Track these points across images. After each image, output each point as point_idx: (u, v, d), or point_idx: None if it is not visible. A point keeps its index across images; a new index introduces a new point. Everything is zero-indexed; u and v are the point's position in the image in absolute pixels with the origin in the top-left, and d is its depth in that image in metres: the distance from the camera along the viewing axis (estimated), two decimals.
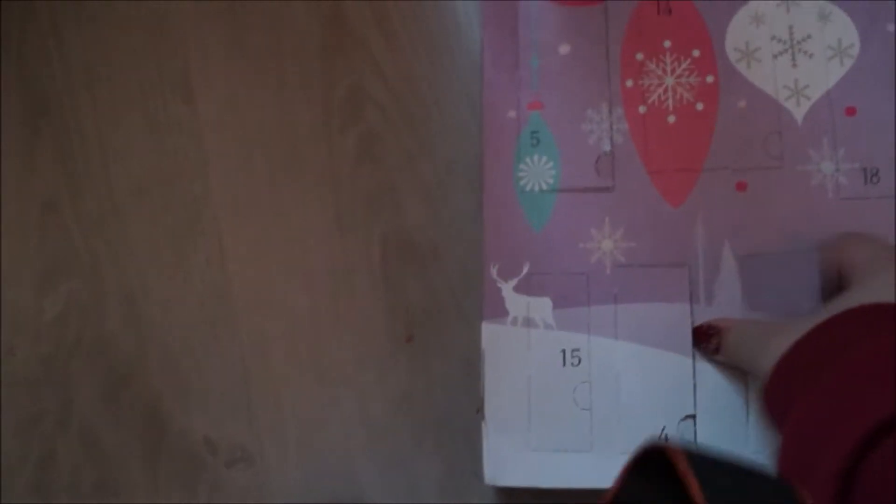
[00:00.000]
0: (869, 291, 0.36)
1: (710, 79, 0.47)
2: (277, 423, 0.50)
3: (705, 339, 0.43)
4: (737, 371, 0.43)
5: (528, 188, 0.47)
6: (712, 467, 0.28)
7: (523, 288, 0.45)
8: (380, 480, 0.49)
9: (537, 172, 0.47)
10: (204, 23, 0.55)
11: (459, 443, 0.49)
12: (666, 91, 0.47)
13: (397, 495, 0.49)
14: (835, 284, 0.41)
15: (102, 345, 0.52)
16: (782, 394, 0.35)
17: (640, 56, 0.48)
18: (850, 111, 0.46)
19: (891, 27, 0.46)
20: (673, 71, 0.47)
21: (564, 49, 0.48)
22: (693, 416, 0.43)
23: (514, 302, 0.45)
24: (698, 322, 0.44)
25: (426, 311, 0.50)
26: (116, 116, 0.54)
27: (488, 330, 0.45)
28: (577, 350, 0.45)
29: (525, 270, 0.46)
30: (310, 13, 0.54)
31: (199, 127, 0.54)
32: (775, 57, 0.47)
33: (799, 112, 0.46)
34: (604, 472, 0.43)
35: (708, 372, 0.44)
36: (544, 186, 0.46)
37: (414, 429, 0.49)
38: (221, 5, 0.55)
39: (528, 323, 0.45)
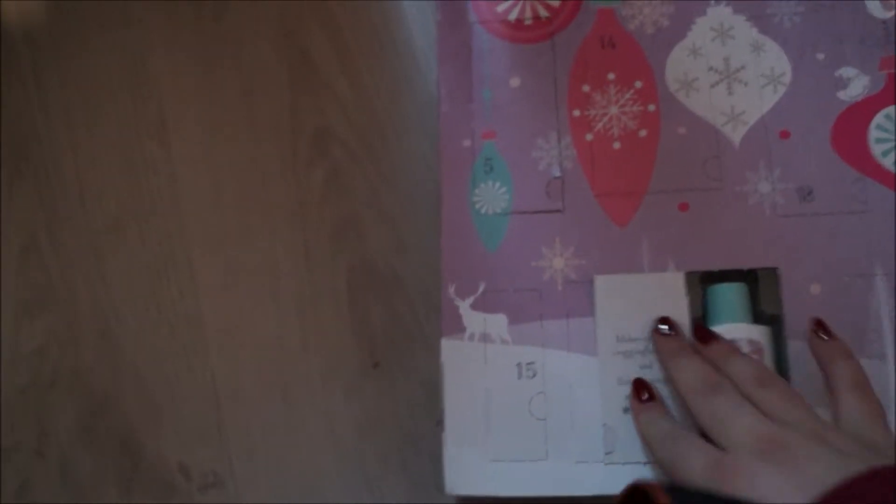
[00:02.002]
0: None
1: (651, 107, 0.50)
2: (248, 447, 0.52)
3: (637, 395, 0.44)
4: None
5: (482, 211, 0.49)
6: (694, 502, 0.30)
7: (480, 305, 0.48)
8: (348, 500, 0.51)
9: (491, 197, 0.49)
10: (178, 68, 0.58)
11: (425, 461, 0.50)
12: (611, 120, 0.50)
13: None
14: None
15: (78, 376, 0.54)
16: None
17: (586, 88, 0.51)
18: (784, 134, 0.49)
19: (820, 56, 0.50)
20: (617, 101, 0.50)
21: (515, 82, 0.51)
22: None
23: (471, 319, 0.48)
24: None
25: (391, 337, 0.52)
26: (94, 157, 0.57)
27: (447, 346, 0.47)
28: (532, 363, 0.47)
29: (481, 289, 0.48)
30: (278, 57, 0.58)
31: (172, 166, 0.57)
32: (712, 86, 0.50)
33: (736, 136, 0.49)
34: (559, 480, 0.45)
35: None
36: (498, 210, 0.49)
37: (380, 449, 0.51)
38: (194, 52, 0.58)
39: (485, 338, 0.47)
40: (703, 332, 0.44)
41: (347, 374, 0.52)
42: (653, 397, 0.44)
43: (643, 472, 0.44)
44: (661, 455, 0.41)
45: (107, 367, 0.54)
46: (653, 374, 0.45)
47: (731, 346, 0.44)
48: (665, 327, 0.45)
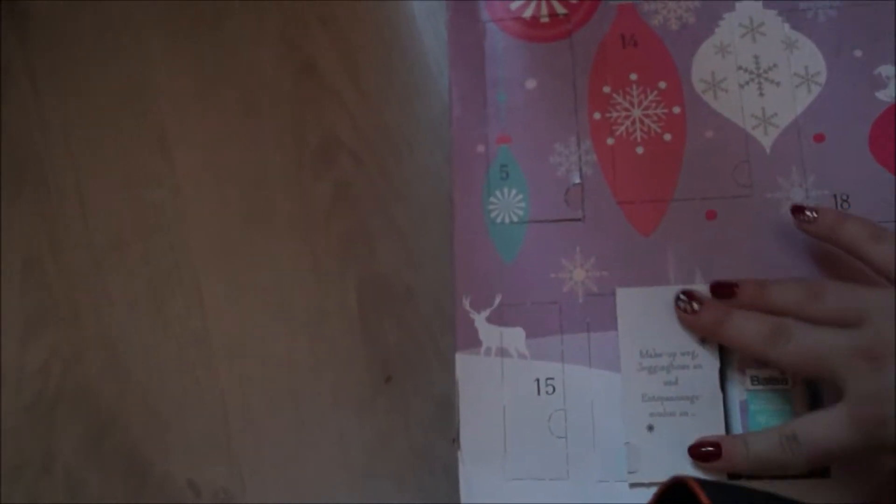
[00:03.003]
0: None
1: (676, 110, 0.47)
2: (258, 464, 0.50)
3: (706, 458, 0.42)
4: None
5: (498, 220, 0.47)
6: (732, 497, 0.29)
7: (496, 318, 0.46)
8: None
9: (507, 205, 0.47)
10: (179, 79, 0.57)
11: (439, 478, 0.49)
12: (633, 123, 0.48)
13: None
14: None
15: (84, 393, 0.52)
16: None
17: (606, 89, 0.48)
18: (819, 137, 0.46)
19: (858, 53, 0.47)
20: (640, 103, 0.48)
21: (531, 84, 0.49)
22: None
23: (488, 332, 0.46)
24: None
25: (403, 352, 0.50)
26: (95, 173, 0.56)
27: (462, 360, 0.45)
28: (552, 379, 0.45)
29: (497, 301, 0.46)
30: (282, 66, 0.56)
31: (176, 180, 0.55)
32: (742, 86, 0.47)
33: (767, 140, 0.46)
34: (581, 500, 0.43)
35: None
36: (514, 218, 0.47)
37: (394, 466, 0.49)
38: (194, 62, 0.56)
39: (502, 353, 0.45)
40: (722, 286, 0.42)
41: (359, 390, 0.50)
42: (718, 442, 0.41)
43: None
44: (793, 465, 0.39)
45: (113, 385, 0.52)
46: (679, 391, 0.43)
47: (756, 280, 0.42)
48: (690, 302, 0.43)
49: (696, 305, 0.43)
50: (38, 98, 0.58)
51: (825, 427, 0.38)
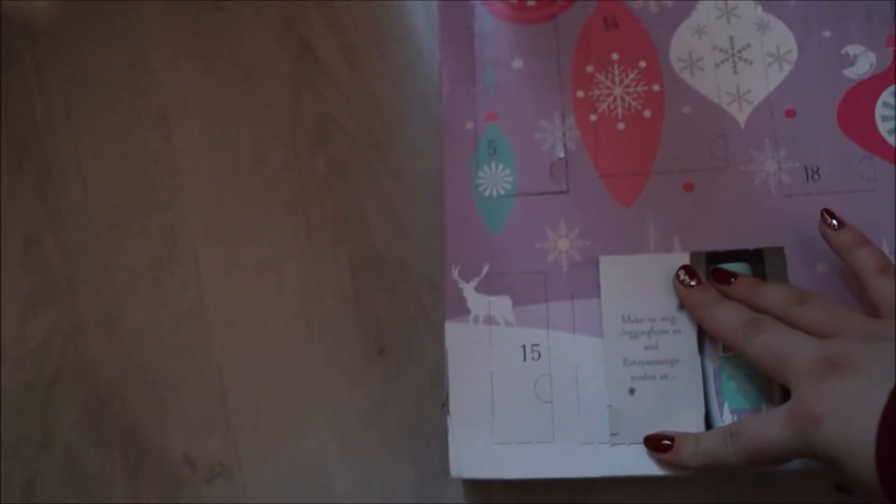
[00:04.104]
0: None
1: (656, 87, 0.50)
2: (254, 437, 0.51)
3: (663, 449, 0.43)
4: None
5: (486, 194, 0.49)
6: None
7: (484, 288, 0.47)
8: (356, 488, 0.50)
9: (495, 179, 0.49)
10: (178, 59, 0.58)
11: (433, 447, 0.50)
12: (615, 100, 0.50)
13: (374, 502, 0.50)
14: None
15: (82, 370, 0.53)
16: None
17: (589, 68, 0.50)
18: (790, 113, 0.48)
19: (826, 33, 0.49)
20: (621, 81, 0.50)
21: (517, 64, 0.51)
22: None
23: (476, 301, 0.47)
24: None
25: (395, 324, 0.52)
26: (95, 151, 0.57)
27: (451, 329, 0.47)
28: (537, 345, 0.46)
29: (485, 271, 0.48)
30: (279, 47, 0.57)
31: (174, 158, 0.56)
32: (717, 65, 0.50)
33: (741, 116, 0.48)
34: (565, 462, 0.45)
35: None
36: (502, 192, 0.49)
37: (388, 437, 0.50)
38: (194, 42, 0.58)
39: (490, 321, 0.47)
40: (722, 273, 0.44)
41: (353, 361, 0.51)
42: (672, 437, 0.43)
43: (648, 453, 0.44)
44: (737, 458, 0.39)
45: (111, 361, 0.53)
46: (659, 355, 0.45)
47: (754, 279, 0.44)
48: (689, 278, 0.44)
49: (693, 282, 0.44)
50: (39, 76, 0.58)
51: (763, 425, 0.38)
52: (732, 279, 0.44)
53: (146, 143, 0.57)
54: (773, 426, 0.38)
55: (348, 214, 0.54)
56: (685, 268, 0.45)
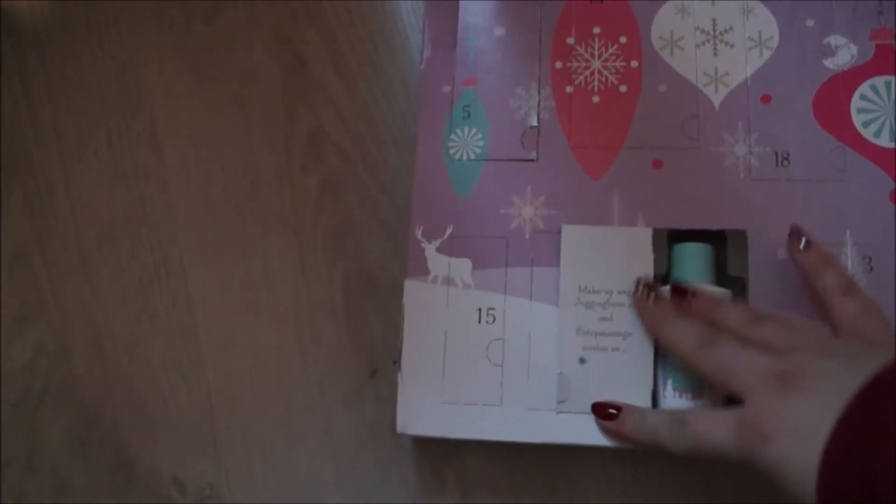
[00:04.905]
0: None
1: (634, 64, 0.50)
2: (244, 459, 0.51)
3: (608, 417, 0.43)
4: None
5: (456, 157, 0.49)
6: None
7: (446, 249, 0.48)
8: None
9: (466, 143, 0.49)
10: (169, 74, 0.57)
11: (425, 471, 0.49)
12: (592, 73, 0.50)
13: None
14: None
15: (70, 389, 0.52)
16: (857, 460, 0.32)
17: (570, 40, 0.50)
18: (766, 98, 0.48)
19: (810, 22, 0.49)
20: (600, 55, 0.50)
21: (500, 31, 0.51)
22: None
23: (436, 261, 0.48)
24: None
25: (389, 345, 0.51)
26: (84, 166, 0.56)
27: (410, 287, 0.47)
28: (493, 309, 0.47)
29: (448, 232, 0.48)
30: (271, 61, 0.57)
31: (164, 174, 0.56)
32: (698, 46, 0.49)
33: (717, 97, 0.48)
34: (511, 426, 0.45)
35: None
36: (472, 156, 0.49)
37: (380, 459, 0.50)
38: (185, 57, 0.57)
39: (448, 282, 0.47)
40: (681, 289, 0.43)
41: (345, 383, 0.51)
42: (619, 408, 0.43)
43: (594, 423, 0.44)
44: (679, 447, 0.39)
45: (99, 381, 0.53)
46: (613, 328, 0.45)
47: (713, 297, 0.43)
48: (646, 294, 0.44)
49: (651, 299, 0.44)
50: (27, 93, 0.58)
51: (712, 423, 0.38)
52: (691, 296, 0.43)
53: (136, 159, 0.56)
54: (720, 428, 0.37)
55: (341, 232, 0.53)
56: (644, 284, 0.45)
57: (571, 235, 0.46)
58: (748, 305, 0.43)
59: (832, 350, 0.37)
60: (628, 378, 0.44)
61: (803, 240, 0.43)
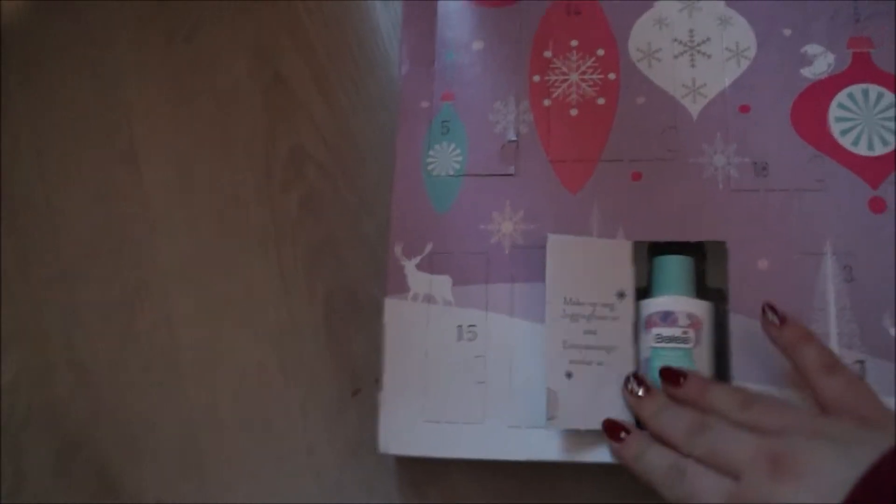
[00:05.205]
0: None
1: (612, 76, 0.49)
2: (229, 480, 0.50)
3: (615, 437, 0.42)
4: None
5: (435, 173, 0.49)
6: None
7: (426, 266, 0.47)
8: None
9: (445, 158, 0.49)
10: (149, 91, 0.57)
11: (409, 490, 0.49)
12: (570, 86, 0.50)
13: None
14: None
15: (53, 412, 0.52)
16: None
17: (548, 53, 0.50)
18: (744, 108, 0.48)
19: (787, 32, 0.49)
20: (578, 68, 0.50)
21: (478, 45, 0.51)
22: None
23: (416, 279, 0.47)
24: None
25: (371, 364, 0.50)
26: (64, 186, 0.56)
27: (390, 305, 0.47)
28: (474, 326, 0.46)
29: (428, 250, 0.48)
30: (252, 78, 0.56)
31: (145, 193, 0.55)
32: (675, 57, 0.49)
33: (695, 108, 0.48)
34: (494, 444, 0.45)
35: None
36: (451, 171, 0.49)
37: (364, 478, 0.49)
38: (166, 74, 0.57)
39: (429, 299, 0.47)
40: (671, 374, 0.43)
41: (328, 402, 0.51)
42: (629, 431, 0.42)
43: (583, 439, 0.44)
44: (670, 495, 0.38)
45: (81, 404, 0.52)
46: (597, 341, 0.45)
47: (703, 378, 0.43)
48: (638, 388, 0.43)
49: (641, 392, 0.43)
50: (7, 112, 0.57)
51: (708, 487, 0.37)
52: (682, 379, 0.42)
53: (116, 178, 0.56)
54: (714, 495, 0.37)
55: (322, 250, 0.53)
56: (634, 376, 0.44)
57: (557, 246, 0.46)
58: (738, 388, 0.42)
59: (822, 431, 0.36)
60: (612, 393, 0.44)
61: (778, 316, 0.42)
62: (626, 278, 0.46)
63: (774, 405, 0.40)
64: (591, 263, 0.46)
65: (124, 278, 0.54)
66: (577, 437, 0.44)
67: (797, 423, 0.37)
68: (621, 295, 0.45)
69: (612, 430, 0.43)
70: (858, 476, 0.33)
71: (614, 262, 0.46)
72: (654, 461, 0.40)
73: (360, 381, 0.51)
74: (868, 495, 0.32)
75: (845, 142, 0.47)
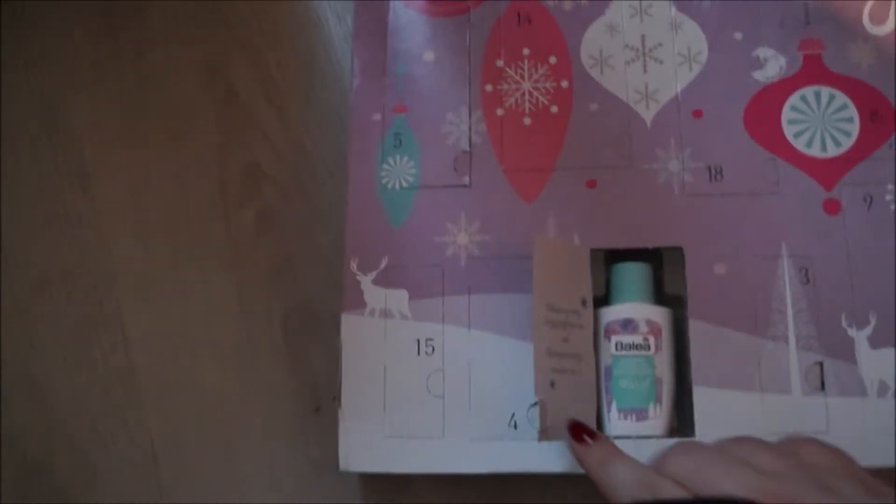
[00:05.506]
0: None
1: (564, 84, 0.49)
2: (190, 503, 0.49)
3: (580, 440, 0.40)
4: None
5: (389, 186, 0.48)
6: None
7: (382, 281, 0.47)
8: None
9: (398, 171, 0.48)
10: (99, 111, 0.56)
11: (374, 502, 0.48)
12: (523, 95, 0.49)
13: None
14: None
15: (9, 439, 0.51)
16: None
17: (499, 63, 0.50)
18: (697, 113, 0.48)
19: (738, 35, 0.49)
20: (530, 76, 0.50)
21: (429, 56, 0.50)
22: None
23: (373, 294, 0.47)
24: None
25: (332, 381, 0.48)
26: (15, 211, 0.55)
27: (347, 321, 0.46)
28: (432, 339, 0.46)
29: (383, 264, 0.47)
30: (204, 94, 0.55)
31: (97, 215, 0.54)
32: (627, 63, 0.49)
33: (648, 114, 0.48)
34: (455, 458, 0.44)
35: None
36: (405, 184, 0.48)
37: (326, 495, 0.49)
38: (115, 92, 0.56)
39: (386, 314, 0.46)
40: (578, 430, 0.40)
41: (289, 420, 0.50)
42: (595, 436, 0.40)
43: (547, 450, 0.43)
44: None
45: (38, 430, 0.51)
46: (570, 349, 0.43)
47: (612, 446, 0.39)
48: (586, 437, 0.40)
49: (588, 440, 0.40)
50: None
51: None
52: (588, 438, 0.39)
53: (67, 200, 0.55)
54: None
55: (280, 268, 0.52)
56: (582, 428, 0.40)
57: (543, 247, 0.44)
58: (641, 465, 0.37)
59: (829, 486, 0.31)
60: (582, 402, 0.44)
61: (587, 436, 0.39)
62: (586, 285, 0.45)
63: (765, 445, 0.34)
64: (566, 269, 0.45)
65: (79, 304, 0.53)
66: (540, 448, 0.43)
67: (796, 470, 0.32)
68: (584, 302, 0.45)
69: (577, 432, 0.40)
70: None
71: (579, 268, 0.45)
72: (621, 472, 0.36)
73: (320, 399, 0.50)
74: None
75: (799, 144, 0.47)
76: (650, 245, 0.46)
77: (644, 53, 0.49)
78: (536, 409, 0.42)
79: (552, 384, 0.42)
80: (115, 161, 0.55)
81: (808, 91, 0.48)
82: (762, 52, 0.49)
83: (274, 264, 0.52)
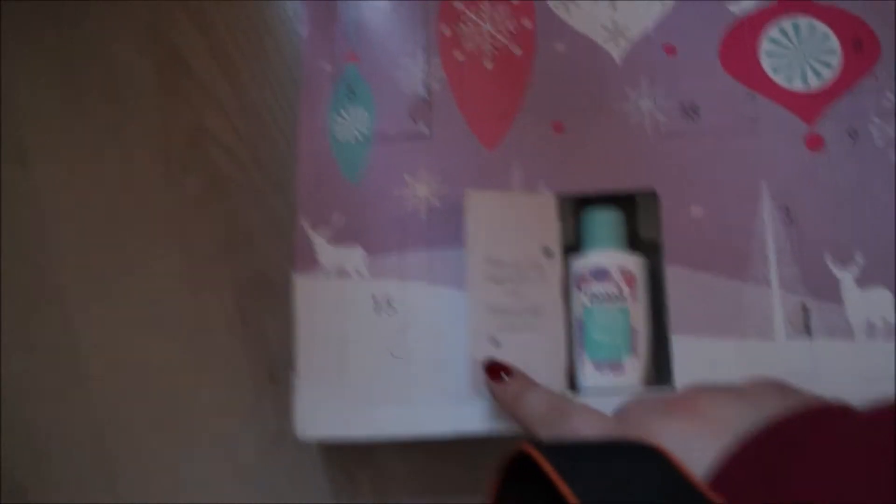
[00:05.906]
0: None
1: (527, 24, 0.46)
2: (143, 485, 0.47)
3: (496, 378, 0.39)
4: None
5: (342, 140, 0.45)
6: (576, 459, 0.26)
7: (336, 239, 0.44)
8: None
9: (352, 124, 0.45)
10: (36, 82, 0.52)
11: (338, 475, 0.46)
12: (483, 37, 0.46)
13: None
14: None
15: None
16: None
17: (458, 4, 0.47)
18: (670, 50, 0.45)
19: None
20: (491, 17, 0.46)
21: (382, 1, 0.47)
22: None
23: (327, 254, 0.44)
24: None
25: (288, 349, 0.45)
26: None
27: (301, 283, 0.43)
28: (391, 297, 0.43)
29: (338, 222, 0.44)
30: (143, 56, 0.52)
31: (35, 190, 0.51)
32: (595, 0, 0.46)
33: (618, 53, 0.45)
34: (419, 421, 0.42)
35: None
36: (360, 137, 0.45)
37: (285, 464, 0.47)
38: (53, 58, 0.53)
39: (342, 274, 0.43)
40: (494, 368, 0.39)
41: (244, 394, 0.47)
42: (510, 371, 0.39)
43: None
44: (549, 434, 0.34)
45: None
46: (522, 304, 0.41)
47: (528, 379, 0.39)
48: (502, 374, 0.39)
49: (505, 374, 0.39)
50: None
51: (591, 426, 0.32)
52: (505, 375, 0.39)
53: (6, 179, 0.51)
54: (598, 430, 0.32)
55: (231, 236, 0.49)
56: (498, 365, 0.39)
57: (476, 202, 0.42)
58: (559, 395, 0.38)
59: (737, 393, 0.31)
60: (544, 360, 0.41)
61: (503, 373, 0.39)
62: (552, 235, 0.42)
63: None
64: (514, 220, 0.42)
65: (21, 284, 0.50)
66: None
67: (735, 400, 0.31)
68: (548, 253, 0.42)
69: (493, 371, 0.39)
70: (762, 422, 0.28)
71: (539, 218, 0.42)
72: (533, 401, 0.36)
73: (276, 368, 0.47)
74: (764, 443, 0.27)
75: (778, 78, 0.44)
76: (622, 189, 0.43)
77: None
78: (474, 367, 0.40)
79: (496, 343, 0.40)
80: (53, 130, 0.52)
81: (787, 22, 0.45)
82: None
83: (225, 233, 0.49)
